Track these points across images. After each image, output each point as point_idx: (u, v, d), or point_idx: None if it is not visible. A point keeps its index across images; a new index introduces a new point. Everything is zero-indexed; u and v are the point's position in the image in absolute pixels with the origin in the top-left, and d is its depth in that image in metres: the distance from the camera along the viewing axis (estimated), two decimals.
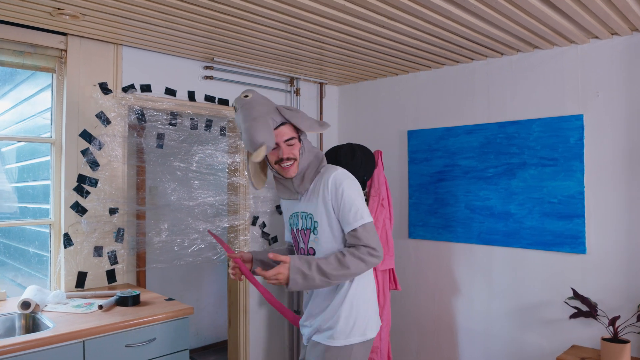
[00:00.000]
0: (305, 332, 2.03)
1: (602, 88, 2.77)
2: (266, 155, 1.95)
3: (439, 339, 3.47)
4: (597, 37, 2.76)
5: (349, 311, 1.89)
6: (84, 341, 2.06)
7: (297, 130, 1.94)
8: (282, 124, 1.90)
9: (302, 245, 2.01)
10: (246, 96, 1.93)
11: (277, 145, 1.90)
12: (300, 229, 2.00)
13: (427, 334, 3.53)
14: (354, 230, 1.84)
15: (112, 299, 2.43)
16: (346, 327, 1.88)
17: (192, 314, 2.42)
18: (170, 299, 2.56)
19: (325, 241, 1.91)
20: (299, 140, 1.95)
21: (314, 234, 1.93)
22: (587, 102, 2.82)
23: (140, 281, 4.30)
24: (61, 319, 2.20)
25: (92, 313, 2.29)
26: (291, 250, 2.21)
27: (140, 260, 3.90)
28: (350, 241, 1.86)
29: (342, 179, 1.88)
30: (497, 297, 3.17)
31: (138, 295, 2.48)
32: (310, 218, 1.94)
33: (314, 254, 1.94)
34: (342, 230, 1.90)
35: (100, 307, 2.33)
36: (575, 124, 2.84)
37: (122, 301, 2.43)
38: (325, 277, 1.79)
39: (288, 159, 1.91)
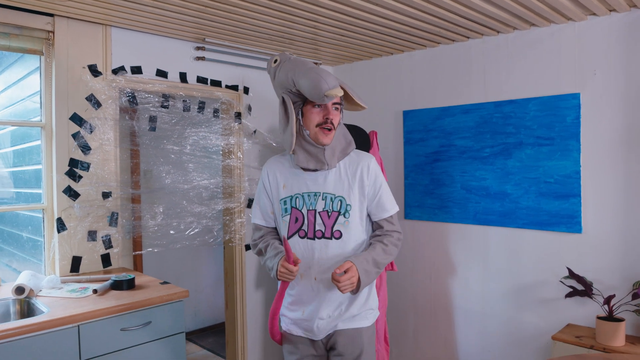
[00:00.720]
0: (320, 324, 1.93)
1: (599, 66, 2.74)
2: (302, 114, 1.88)
3: (435, 319, 3.49)
4: (594, 14, 2.71)
5: (369, 292, 1.98)
6: (78, 325, 2.06)
7: (341, 99, 1.90)
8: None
9: (319, 227, 1.89)
10: (291, 54, 1.94)
11: (325, 106, 1.86)
12: (319, 210, 1.89)
13: (423, 314, 3.55)
14: (391, 216, 1.96)
15: (107, 283, 2.43)
16: (372, 305, 2.00)
17: (187, 297, 2.42)
18: (165, 283, 2.56)
19: (355, 225, 1.91)
20: (341, 110, 1.92)
21: (344, 217, 1.89)
22: (584, 80, 2.79)
23: (137, 265, 4.31)
24: (56, 303, 2.19)
25: (87, 297, 2.29)
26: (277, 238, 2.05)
27: (136, 244, 3.90)
28: (386, 227, 1.94)
29: (379, 169, 1.98)
30: (493, 277, 3.18)
31: (133, 279, 2.47)
32: (341, 200, 1.89)
33: (339, 237, 1.89)
34: (367, 217, 1.98)
35: (95, 291, 2.33)
36: (572, 103, 2.81)
37: (117, 285, 2.43)
38: (378, 268, 1.86)
39: (332, 123, 1.85)
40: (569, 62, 2.84)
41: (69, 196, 2.71)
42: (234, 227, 3.42)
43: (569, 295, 2.72)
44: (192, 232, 3.17)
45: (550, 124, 2.89)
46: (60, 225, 2.69)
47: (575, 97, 2.80)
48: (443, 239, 3.43)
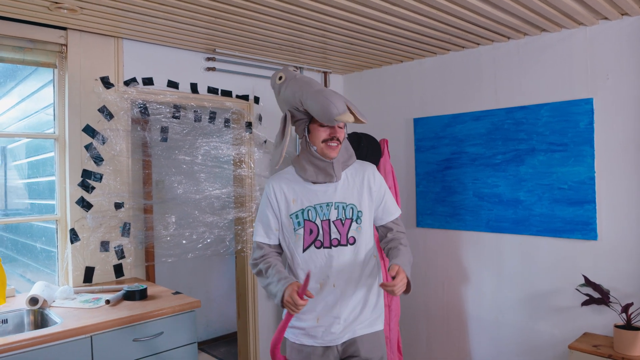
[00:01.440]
0: (338, 329, 1.93)
1: (612, 71, 2.70)
2: (308, 131, 1.95)
3: (448, 328, 3.45)
4: (606, 18, 2.69)
5: (378, 295, 2.06)
6: (91, 336, 2.06)
7: None
8: None
9: (335, 236, 1.94)
10: (295, 69, 2.04)
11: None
12: (333, 219, 1.94)
13: (436, 323, 3.51)
14: (397, 218, 2.08)
15: (119, 293, 2.43)
16: (382, 308, 2.08)
17: (199, 307, 2.42)
18: (177, 293, 2.56)
19: (366, 230, 2.00)
20: (345, 125, 2.00)
21: (357, 223, 1.98)
22: (596, 85, 2.76)
23: (150, 275, 4.32)
24: (69, 314, 2.20)
25: (100, 308, 2.30)
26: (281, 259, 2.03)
27: (148, 254, 3.92)
28: (396, 229, 2.06)
29: (380, 175, 2.09)
30: (507, 285, 3.14)
31: (145, 290, 2.48)
32: (352, 208, 1.98)
33: (354, 243, 1.97)
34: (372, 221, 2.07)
35: (108, 302, 2.34)
36: (585, 108, 2.78)
37: (129, 295, 2.43)
38: (410, 267, 1.97)
39: (338, 139, 1.93)
40: (581, 67, 2.81)
41: (82, 207, 2.73)
42: (246, 236, 3.42)
43: (585, 303, 2.67)
44: (204, 242, 3.17)
45: (563, 129, 2.86)
46: (74, 236, 2.71)
47: (588, 102, 2.77)
48: (455, 247, 3.40)
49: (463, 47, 3.27)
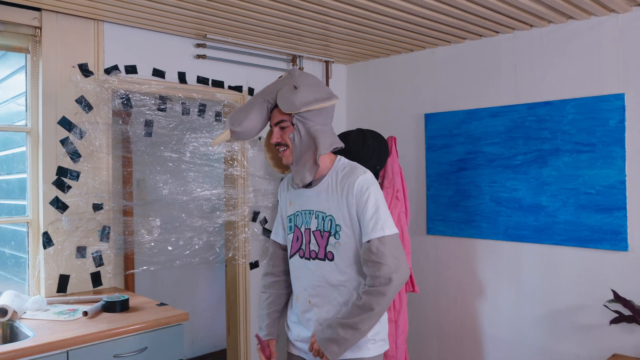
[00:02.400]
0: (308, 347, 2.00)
1: None
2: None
3: (461, 346, 3.46)
4: None
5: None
6: (67, 351, 2.06)
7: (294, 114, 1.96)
8: (276, 105, 1.98)
9: (313, 247, 1.97)
10: (298, 68, 2.11)
11: (269, 131, 2.04)
12: (313, 229, 1.97)
13: (448, 341, 3.53)
14: (369, 242, 1.86)
15: (98, 304, 2.44)
16: (376, 337, 1.97)
17: (186, 320, 2.43)
18: (162, 304, 2.57)
19: (348, 248, 1.94)
20: (292, 123, 1.95)
21: (335, 238, 1.93)
22: (628, 79, 2.78)
23: (129, 284, 4.32)
24: (42, 327, 2.20)
25: (77, 320, 2.30)
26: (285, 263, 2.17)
27: (128, 261, 3.91)
28: (364, 255, 1.87)
29: (370, 184, 1.91)
30: (526, 300, 3.16)
31: (127, 300, 2.48)
32: (331, 220, 1.94)
33: (332, 259, 1.94)
34: None
35: (85, 313, 2.34)
36: (615, 105, 2.80)
37: (109, 307, 2.44)
38: (355, 329, 1.84)
39: (278, 144, 1.98)
40: (611, 59, 2.83)
41: (57, 208, 2.74)
42: (237, 243, 3.43)
43: (614, 321, 2.68)
44: (192, 249, 3.18)
45: (591, 128, 2.88)
46: (47, 241, 2.71)
47: (619, 97, 2.79)
48: (470, 257, 3.41)
49: (480, 36, 3.29)
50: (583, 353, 2.94)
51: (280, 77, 2.06)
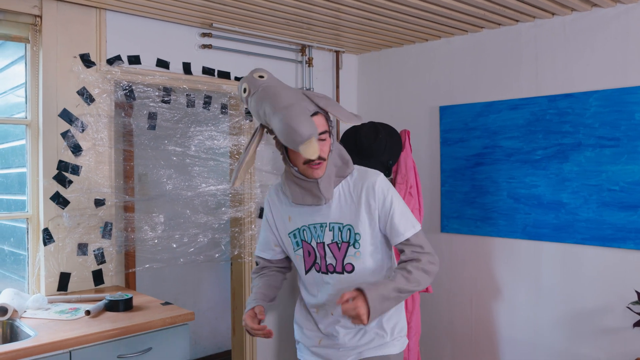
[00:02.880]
0: (338, 355, 2.03)
1: None
2: (286, 150, 1.89)
3: (476, 348, 3.47)
4: None
5: (394, 323, 2.04)
6: (70, 351, 2.09)
7: (328, 122, 1.90)
8: (315, 113, 1.82)
9: (330, 261, 1.97)
10: (261, 76, 1.85)
11: None
12: (328, 242, 1.96)
13: (462, 343, 3.54)
14: (410, 238, 1.91)
15: (101, 303, 2.47)
16: (400, 333, 2.05)
17: (192, 320, 2.46)
18: (167, 303, 2.60)
19: (369, 255, 1.95)
20: (330, 134, 1.89)
21: (354, 247, 1.93)
22: None
23: (130, 282, 4.35)
24: (43, 326, 2.23)
25: (79, 319, 2.33)
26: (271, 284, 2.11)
27: (129, 259, 3.94)
28: (408, 252, 1.92)
29: (389, 186, 1.95)
30: (545, 301, 3.16)
31: (130, 299, 2.51)
32: (349, 230, 1.93)
33: (351, 271, 1.95)
34: (385, 242, 1.99)
35: (88, 312, 2.37)
36: None
37: (113, 306, 2.46)
38: (400, 293, 1.83)
39: (320, 157, 1.82)
40: (638, 49, 2.82)
41: (57, 204, 2.76)
42: (244, 240, 3.45)
43: (637, 324, 2.68)
44: (197, 246, 3.20)
45: (615, 121, 2.87)
46: (47, 237, 2.74)
47: None
48: (486, 256, 3.41)
49: (500, 24, 3.28)
50: (604, 357, 2.94)
51: (245, 90, 1.86)
